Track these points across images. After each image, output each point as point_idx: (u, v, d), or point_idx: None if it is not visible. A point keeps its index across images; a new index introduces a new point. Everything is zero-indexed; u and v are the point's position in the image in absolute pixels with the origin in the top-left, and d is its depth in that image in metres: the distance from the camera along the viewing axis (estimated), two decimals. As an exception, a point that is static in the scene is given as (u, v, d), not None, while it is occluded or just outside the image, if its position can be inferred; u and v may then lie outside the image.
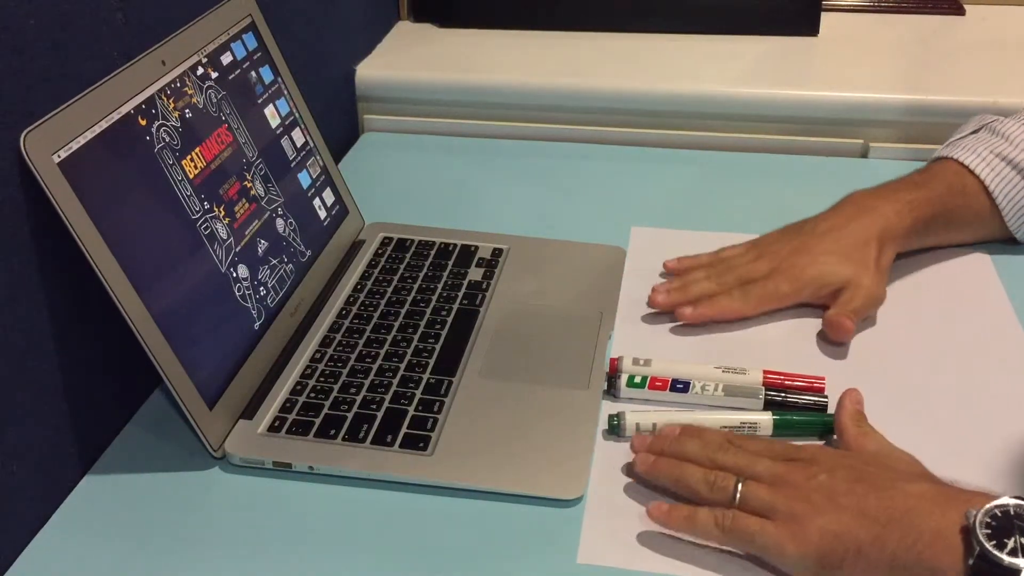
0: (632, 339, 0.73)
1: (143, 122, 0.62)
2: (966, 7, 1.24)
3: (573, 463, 0.61)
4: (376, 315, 0.74)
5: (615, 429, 0.64)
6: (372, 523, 0.58)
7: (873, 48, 1.13)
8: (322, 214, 0.81)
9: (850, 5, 1.26)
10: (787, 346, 0.72)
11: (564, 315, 0.75)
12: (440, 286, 0.78)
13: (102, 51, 0.63)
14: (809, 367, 0.68)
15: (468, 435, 0.63)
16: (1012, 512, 0.49)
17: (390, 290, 0.77)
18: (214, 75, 0.70)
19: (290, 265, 0.74)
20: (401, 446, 0.62)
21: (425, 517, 0.59)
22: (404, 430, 0.63)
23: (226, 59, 0.72)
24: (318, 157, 0.82)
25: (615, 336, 0.73)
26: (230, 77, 0.72)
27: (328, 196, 0.82)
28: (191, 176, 0.65)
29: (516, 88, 1.06)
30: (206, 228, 0.65)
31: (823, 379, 0.67)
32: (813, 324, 0.74)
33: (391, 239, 0.84)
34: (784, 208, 0.83)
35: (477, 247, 0.83)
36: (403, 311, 0.75)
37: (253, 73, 0.75)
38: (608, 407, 0.66)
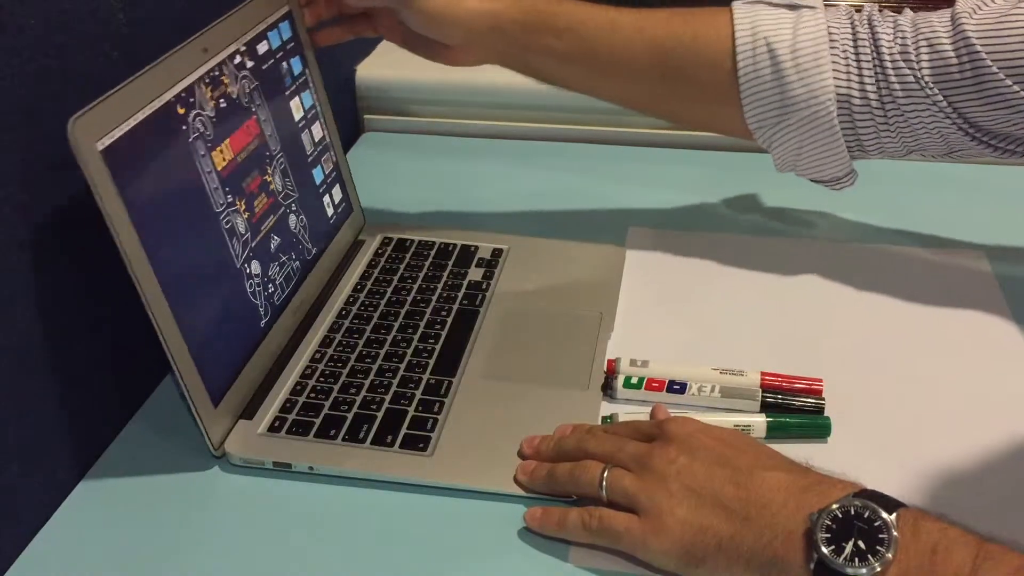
0: (631, 340, 0.73)
1: (182, 111, 0.61)
2: (966, 8, 1.23)
3: (572, 464, 0.61)
4: (376, 315, 0.74)
5: (612, 430, 0.64)
6: (372, 523, 0.58)
7: (873, 48, 1.12)
8: (329, 211, 0.80)
9: (850, 5, 1.25)
10: (785, 348, 0.72)
11: (564, 315, 0.75)
12: (440, 286, 0.78)
13: (102, 51, 0.63)
14: (807, 369, 0.68)
15: (468, 435, 0.63)
16: (853, 512, 0.48)
17: (390, 290, 0.77)
18: (250, 64, 0.69)
19: (297, 263, 0.74)
20: (401, 446, 0.62)
21: (425, 517, 0.59)
22: (404, 430, 0.63)
23: (262, 48, 0.71)
24: (332, 152, 0.82)
25: (614, 337, 0.73)
26: (263, 67, 0.71)
27: (337, 193, 0.82)
28: (219, 168, 0.64)
29: (516, 88, 1.05)
30: (227, 222, 0.64)
31: (821, 381, 0.67)
32: (812, 326, 0.74)
33: (391, 239, 0.84)
34: (784, 208, 0.83)
35: (477, 247, 0.83)
36: (403, 311, 0.75)
37: (284, 64, 0.74)
38: (606, 408, 0.66)
